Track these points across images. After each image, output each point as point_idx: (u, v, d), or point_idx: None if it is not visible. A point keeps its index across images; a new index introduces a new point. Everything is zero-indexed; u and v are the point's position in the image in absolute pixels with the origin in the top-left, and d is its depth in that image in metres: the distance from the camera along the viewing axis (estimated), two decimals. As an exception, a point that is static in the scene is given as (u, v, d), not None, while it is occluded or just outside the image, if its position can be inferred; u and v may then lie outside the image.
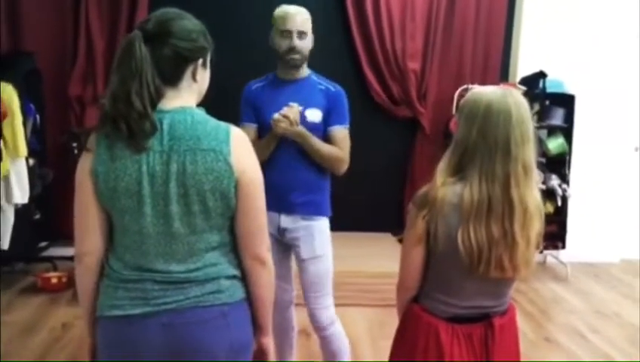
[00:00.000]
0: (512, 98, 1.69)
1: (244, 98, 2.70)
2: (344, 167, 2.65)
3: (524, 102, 1.71)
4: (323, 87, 2.65)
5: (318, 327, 2.76)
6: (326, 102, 2.62)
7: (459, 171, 1.72)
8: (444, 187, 1.69)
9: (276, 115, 2.48)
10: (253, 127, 2.65)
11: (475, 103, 1.70)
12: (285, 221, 2.66)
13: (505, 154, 1.65)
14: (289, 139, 2.54)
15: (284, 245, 2.73)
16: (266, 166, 2.52)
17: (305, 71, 2.66)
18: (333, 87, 2.67)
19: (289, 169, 2.60)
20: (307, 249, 2.68)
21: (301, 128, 2.51)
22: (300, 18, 2.56)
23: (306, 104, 2.58)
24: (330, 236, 2.75)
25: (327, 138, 2.63)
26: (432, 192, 1.70)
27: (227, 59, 4.82)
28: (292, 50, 2.55)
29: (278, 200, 2.58)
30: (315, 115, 2.60)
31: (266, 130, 2.59)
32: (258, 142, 2.57)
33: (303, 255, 2.69)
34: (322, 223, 2.72)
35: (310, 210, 2.67)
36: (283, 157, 2.58)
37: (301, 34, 2.56)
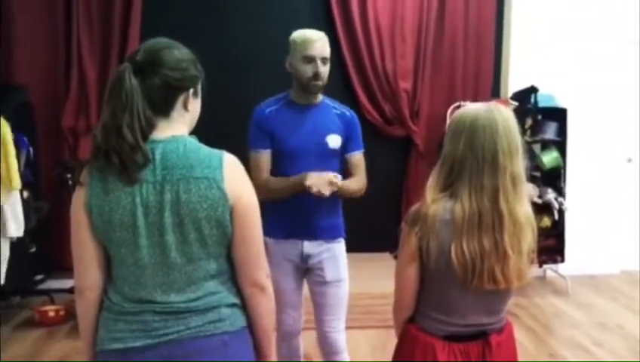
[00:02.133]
0: (498, 111, 1.70)
1: (256, 123, 2.61)
2: (363, 191, 2.69)
3: (510, 115, 1.72)
4: (339, 112, 2.66)
5: (332, 352, 2.72)
6: (344, 127, 2.64)
7: (448, 187, 1.72)
8: (435, 203, 1.70)
9: (316, 189, 2.43)
10: (268, 153, 2.59)
11: (462, 119, 1.72)
12: (309, 247, 2.63)
13: (493, 166, 1.66)
14: (310, 163, 2.54)
15: (300, 273, 2.70)
16: None
17: (320, 96, 2.65)
18: (348, 111, 2.70)
19: (312, 195, 2.53)
20: (332, 271, 2.66)
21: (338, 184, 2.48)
22: (323, 43, 2.55)
23: (327, 130, 2.59)
24: None
25: (346, 163, 2.67)
26: (423, 209, 1.71)
27: (219, 87, 4.87)
28: (316, 76, 2.53)
29: (302, 226, 2.60)
30: (335, 141, 2.60)
31: (287, 157, 2.57)
32: (278, 180, 2.56)
33: (327, 277, 2.66)
34: (342, 245, 2.73)
35: (333, 234, 2.68)
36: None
37: (324, 60, 2.55)
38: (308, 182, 2.42)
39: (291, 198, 2.53)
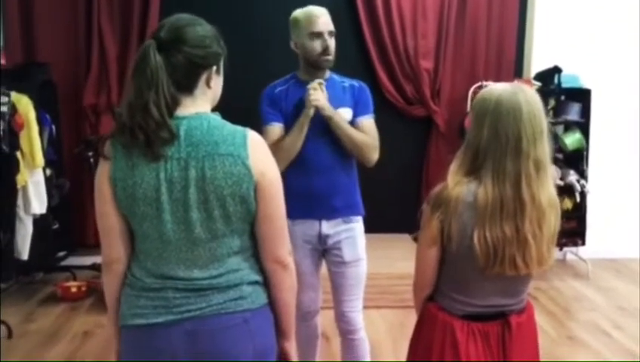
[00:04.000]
0: (523, 94, 1.67)
1: (267, 99, 2.60)
2: (375, 155, 2.60)
3: (536, 98, 1.69)
4: (347, 85, 2.64)
5: (350, 331, 2.73)
6: (352, 99, 2.62)
7: (472, 171, 1.71)
8: (458, 186, 1.69)
9: (311, 85, 2.45)
10: (281, 126, 2.57)
11: (485, 102, 1.69)
12: (327, 227, 2.62)
13: (516, 151, 1.64)
14: (323, 143, 2.52)
15: (318, 254, 2.70)
16: (302, 173, 2.52)
17: (327, 71, 2.62)
18: (357, 82, 2.67)
19: (328, 173, 2.55)
20: (350, 251, 2.65)
21: (331, 108, 2.49)
22: (328, 18, 2.53)
23: (337, 104, 2.55)
24: None
25: (356, 129, 2.61)
26: (446, 192, 1.69)
27: (240, 63, 4.85)
28: (326, 51, 2.51)
29: (319, 206, 2.58)
30: (347, 114, 2.58)
31: None
32: (290, 132, 2.52)
33: (346, 258, 2.64)
34: (361, 224, 2.71)
35: (351, 211, 2.65)
36: (321, 162, 2.55)
37: (331, 34, 2.53)
38: (306, 102, 2.44)
39: (311, 176, 2.52)
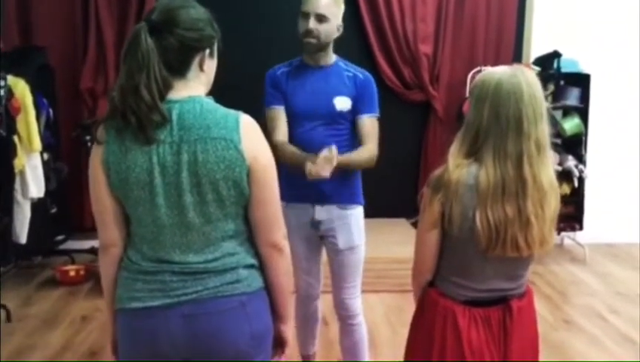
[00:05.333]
0: (523, 76, 1.67)
1: (270, 81, 2.59)
2: (374, 161, 2.55)
3: (535, 80, 1.69)
4: (351, 74, 2.57)
5: (348, 316, 2.74)
6: (355, 89, 2.54)
7: (472, 153, 1.70)
8: (459, 169, 1.68)
9: (326, 154, 2.31)
10: (282, 109, 2.55)
11: (485, 83, 1.69)
12: (320, 212, 2.59)
13: (517, 132, 1.64)
14: (319, 126, 2.51)
15: (315, 240, 2.68)
16: None
17: (331, 57, 2.57)
18: (362, 73, 2.59)
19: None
20: (344, 239, 2.62)
21: (337, 159, 2.33)
22: (321, 1, 2.45)
23: (335, 92, 2.52)
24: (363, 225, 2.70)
25: (356, 126, 2.56)
26: (446, 175, 1.69)
27: (238, 47, 4.83)
28: (308, 33, 2.45)
29: (311, 190, 2.51)
30: (343, 104, 2.52)
31: (294, 116, 2.54)
32: (290, 150, 2.48)
33: (340, 246, 2.62)
34: (358, 212, 2.66)
35: (345, 198, 2.61)
36: (316, 146, 2.43)
37: (321, 17, 2.44)
38: (307, 169, 2.31)
39: None
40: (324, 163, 2.29)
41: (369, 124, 2.56)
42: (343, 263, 2.66)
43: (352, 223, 2.64)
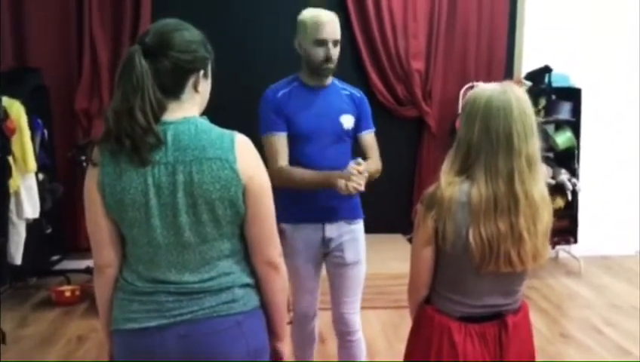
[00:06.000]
0: (513, 92, 1.69)
1: (270, 105, 2.54)
2: (380, 172, 2.64)
3: (525, 96, 1.71)
4: (348, 93, 2.64)
5: (348, 332, 2.72)
6: (355, 107, 2.62)
7: (464, 170, 1.72)
8: (451, 186, 1.70)
9: (354, 167, 2.35)
10: (284, 135, 2.53)
11: (476, 101, 1.71)
12: (330, 230, 2.60)
13: (508, 148, 1.66)
14: (328, 146, 2.53)
15: (320, 258, 2.67)
16: None
17: (329, 77, 2.60)
18: (357, 91, 2.68)
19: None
20: (352, 253, 2.64)
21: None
22: (335, 26, 2.49)
23: (340, 111, 2.57)
24: None
25: (359, 143, 2.65)
26: (439, 192, 1.70)
27: (231, 66, 4.85)
28: (329, 60, 2.48)
29: (322, 210, 2.55)
30: (349, 122, 2.58)
31: (302, 140, 2.53)
32: (302, 172, 2.48)
33: (347, 259, 2.64)
34: (361, 226, 2.70)
35: (352, 213, 2.64)
36: (326, 165, 2.49)
37: (336, 43, 2.49)
38: (340, 186, 2.34)
39: None
40: (358, 177, 2.34)
41: (371, 139, 2.67)
42: (347, 277, 2.66)
43: (359, 237, 2.67)
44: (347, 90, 2.65)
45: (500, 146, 1.66)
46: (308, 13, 2.53)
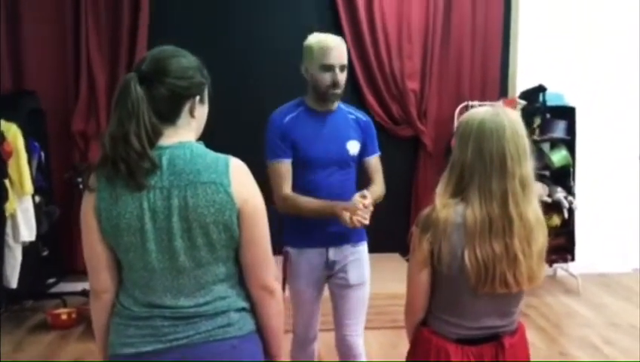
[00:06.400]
0: (505, 115, 1.71)
1: (276, 131, 2.51)
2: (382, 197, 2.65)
3: (517, 119, 1.73)
4: (354, 117, 2.63)
5: (351, 354, 2.69)
6: (361, 132, 2.61)
7: (458, 192, 1.73)
8: (446, 208, 1.71)
9: (359, 200, 2.36)
10: (289, 162, 2.52)
11: (468, 123, 1.73)
12: (334, 253, 2.58)
13: (501, 170, 1.67)
14: (334, 170, 2.53)
15: (323, 281, 2.65)
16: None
17: (335, 101, 2.58)
18: (363, 115, 2.68)
19: (338, 200, 2.45)
20: (356, 274, 2.62)
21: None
22: (341, 51, 2.48)
23: (346, 137, 2.56)
24: None
25: (363, 167, 2.65)
26: (434, 214, 1.71)
27: (229, 85, 4.88)
28: (335, 85, 2.46)
29: (326, 234, 2.53)
30: (355, 148, 2.58)
31: (308, 166, 2.51)
32: (306, 201, 2.47)
33: (351, 281, 2.61)
34: (365, 247, 2.69)
35: (356, 237, 2.62)
36: (332, 190, 2.50)
37: (343, 68, 2.48)
38: (344, 219, 2.34)
39: None
40: (364, 211, 2.34)
41: (376, 163, 2.68)
42: (350, 298, 2.64)
43: (363, 259, 2.66)
44: (353, 114, 2.64)
45: (493, 168, 1.67)
46: (314, 39, 2.51)
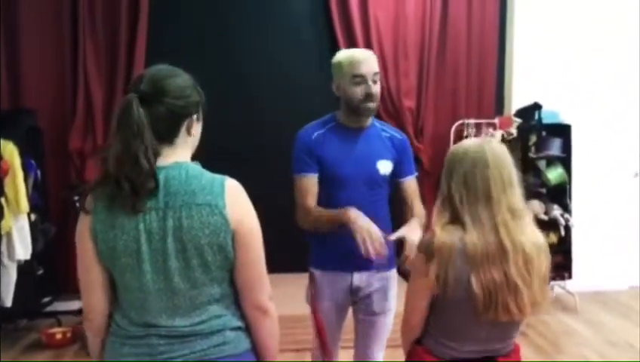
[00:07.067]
0: (489, 146, 1.74)
1: (303, 147, 2.43)
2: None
3: (502, 149, 1.76)
4: (388, 135, 2.51)
5: None
6: (395, 151, 2.49)
7: (454, 220, 1.74)
8: (447, 233, 1.71)
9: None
10: (316, 177, 2.42)
11: (453, 155, 1.77)
12: (359, 279, 2.47)
13: (487, 200, 1.69)
14: (364, 192, 2.41)
15: (346, 306, 2.56)
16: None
17: (369, 117, 2.47)
18: (399, 134, 2.55)
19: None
20: (381, 302, 2.52)
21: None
22: (372, 61, 2.37)
23: (378, 156, 2.44)
24: None
25: (399, 188, 2.53)
26: (437, 242, 1.71)
27: (226, 101, 4.88)
28: (369, 96, 2.34)
29: (351, 258, 2.36)
30: (386, 168, 2.45)
31: (335, 183, 2.42)
32: (321, 209, 2.39)
33: (375, 308, 2.52)
34: (394, 274, 2.57)
35: (385, 264, 2.46)
36: (357, 209, 2.32)
37: (376, 78, 2.37)
38: (365, 250, 2.17)
39: (343, 228, 2.27)
40: (381, 245, 2.19)
41: (413, 186, 2.56)
42: (375, 326, 2.55)
43: (390, 286, 2.54)
44: (388, 131, 2.52)
45: (479, 198, 1.69)
46: (343, 54, 2.46)
